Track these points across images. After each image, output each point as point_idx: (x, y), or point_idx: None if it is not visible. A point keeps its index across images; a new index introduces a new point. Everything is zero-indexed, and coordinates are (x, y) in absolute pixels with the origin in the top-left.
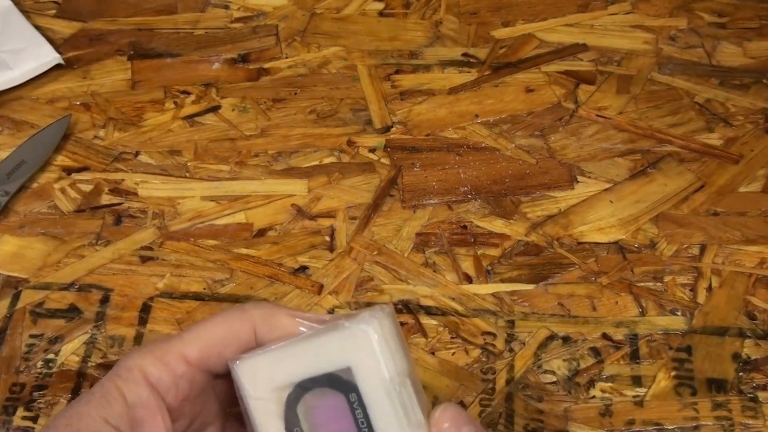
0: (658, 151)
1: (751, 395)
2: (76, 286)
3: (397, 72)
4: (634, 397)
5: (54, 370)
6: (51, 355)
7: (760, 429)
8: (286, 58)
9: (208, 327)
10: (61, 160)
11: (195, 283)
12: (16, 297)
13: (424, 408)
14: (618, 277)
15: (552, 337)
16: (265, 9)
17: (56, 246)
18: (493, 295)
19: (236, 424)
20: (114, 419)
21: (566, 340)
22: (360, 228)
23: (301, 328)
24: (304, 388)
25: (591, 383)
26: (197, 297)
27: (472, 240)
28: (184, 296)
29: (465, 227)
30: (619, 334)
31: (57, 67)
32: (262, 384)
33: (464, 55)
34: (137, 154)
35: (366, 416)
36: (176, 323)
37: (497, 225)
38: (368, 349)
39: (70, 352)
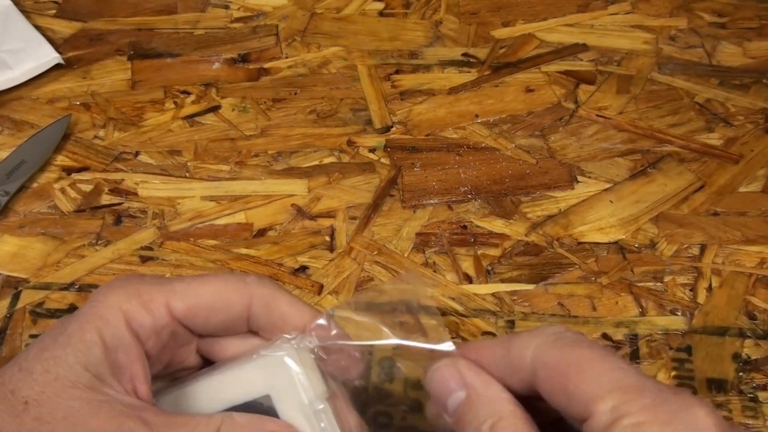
0: (658, 151)
1: (751, 395)
2: (76, 286)
3: (397, 72)
4: None
5: None
6: None
7: (760, 429)
8: (286, 58)
9: (202, 287)
10: (61, 160)
11: None
12: (16, 297)
13: (354, 428)
14: (618, 277)
15: None
16: (265, 9)
17: (56, 246)
18: (493, 295)
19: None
20: (94, 366)
21: None
22: (360, 228)
23: (286, 336)
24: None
25: None
26: None
27: (472, 240)
28: None
29: (465, 227)
30: (619, 334)
31: (57, 67)
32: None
33: (464, 55)
34: (137, 154)
35: None
36: None
37: (497, 225)
38: (285, 376)
39: None
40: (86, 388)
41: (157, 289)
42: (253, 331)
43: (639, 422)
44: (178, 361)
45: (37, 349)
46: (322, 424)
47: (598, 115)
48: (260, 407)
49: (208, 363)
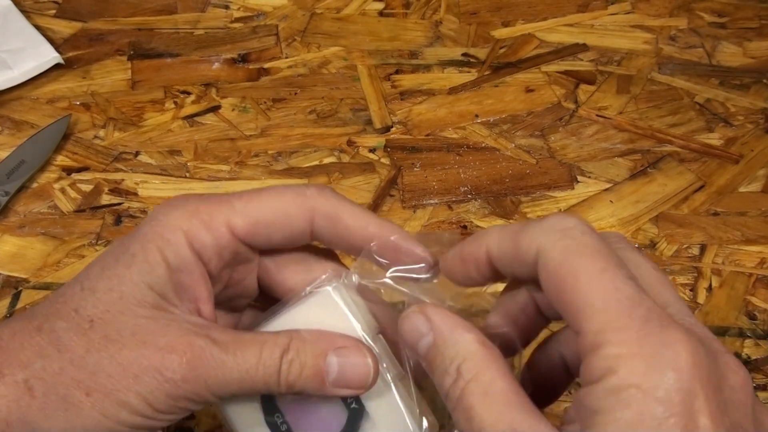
0: (658, 151)
1: None
2: None
3: (397, 72)
4: None
5: None
6: None
7: None
8: (286, 58)
9: (262, 203)
10: (61, 160)
11: None
12: (16, 297)
13: (407, 365)
14: None
15: None
16: (265, 9)
17: (56, 246)
18: (493, 295)
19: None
20: (158, 285)
21: None
22: None
23: (330, 273)
24: None
25: None
26: None
27: None
28: None
29: (465, 227)
30: None
31: (57, 67)
32: None
33: (464, 55)
34: (137, 154)
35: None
36: None
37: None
38: (335, 310)
39: None
40: (152, 307)
41: (217, 208)
42: (315, 245)
43: (618, 354)
44: (237, 279)
45: (98, 268)
46: (378, 353)
47: (598, 115)
48: None
49: (264, 296)
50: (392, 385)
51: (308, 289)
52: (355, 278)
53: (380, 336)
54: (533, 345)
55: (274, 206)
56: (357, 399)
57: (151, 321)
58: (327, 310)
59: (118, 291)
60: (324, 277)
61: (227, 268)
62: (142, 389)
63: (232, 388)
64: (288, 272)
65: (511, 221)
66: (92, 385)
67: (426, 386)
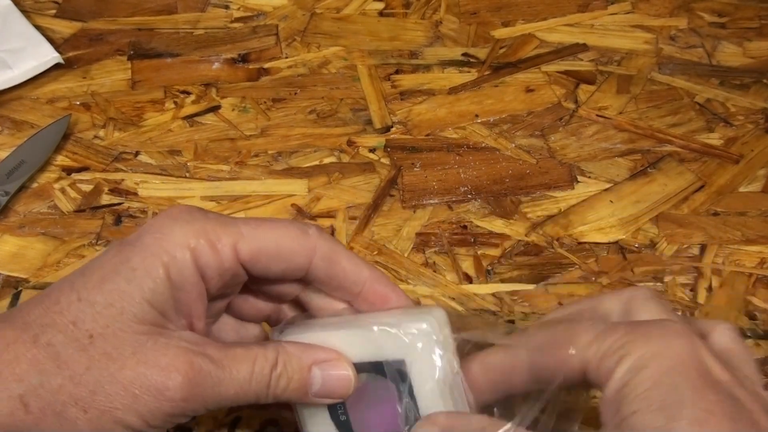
0: (658, 151)
1: None
2: None
3: (397, 72)
4: None
5: None
6: None
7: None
8: (286, 58)
9: (267, 233)
10: (61, 160)
11: None
12: (16, 297)
13: (472, 405)
14: (618, 277)
15: None
16: (265, 9)
17: (56, 246)
18: (494, 295)
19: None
20: (159, 303)
21: None
22: (360, 228)
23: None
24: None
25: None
26: None
27: (472, 240)
28: None
29: (465, 227)
30: None
31: (57, 67)
32: None
33: (464, 55)
34: (137, 154)
35: (415, 407)
36: None
37: (497, 225)
38: (427, 347)
39: None
40: (152, 325)
41: (224, 230)
42: (304, 281)
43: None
44: (224, 296)
45: (97, 278)
46: (454, 398)
47: (598, 115)
48: (391, 369)
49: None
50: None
51: (404, 317)
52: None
53: (459, 378)
54: None
55: (280, 239)
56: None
57: (150, 339)
58: (416, 345)
59: (118, 306)
60: (419, 309)
61: (222, 288)
62: (141, 408)
63: (227, 402)
64: (257, 304)
65: (511, 221)
66: (91, 403)
67: None
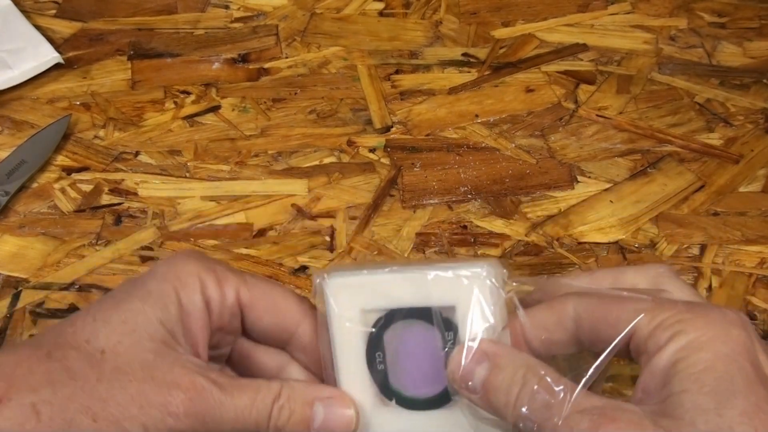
0: (658, 151)
1: None
2: (76, 286)
3: (397, 72)
4: None
5: None
6: None
7: None
8: (286, 58)
9: (269, 289)
10: (61, 160)
11: None
12: (16, 297)
13: None
14: None
15: None
16: (265, 9)
17: (56, 246)
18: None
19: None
20: (169, 323)
21: None
22: (360, 228)
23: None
24: (395, 315)
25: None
26: None
27: (472, 240)
28: None
29: (465, 227)
30: None
31: (57, 67)
32: (351, 304)
33: (464, 55)
34: (137, 154)
35: None
36: None
37: (497, 225)
38: (482, 294)
39: None
40: (161, 343)
41: (230, 274)
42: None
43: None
44: (214, 345)
45: (112, 302)
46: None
47: (598, 115)
48: (438, 316)
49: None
50: None
51: (460, 265)
52: (504, 274)
53: (507, 332)
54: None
55: (279, 298)
56: None
57: (158, 357)
58: (470, 291)
59: (132, 323)
60: (472, 262)
61: (217, 330)
62: (146, 420)
63: (226, 427)
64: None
65: (511, 221)
66: (100, 412)
67: None
